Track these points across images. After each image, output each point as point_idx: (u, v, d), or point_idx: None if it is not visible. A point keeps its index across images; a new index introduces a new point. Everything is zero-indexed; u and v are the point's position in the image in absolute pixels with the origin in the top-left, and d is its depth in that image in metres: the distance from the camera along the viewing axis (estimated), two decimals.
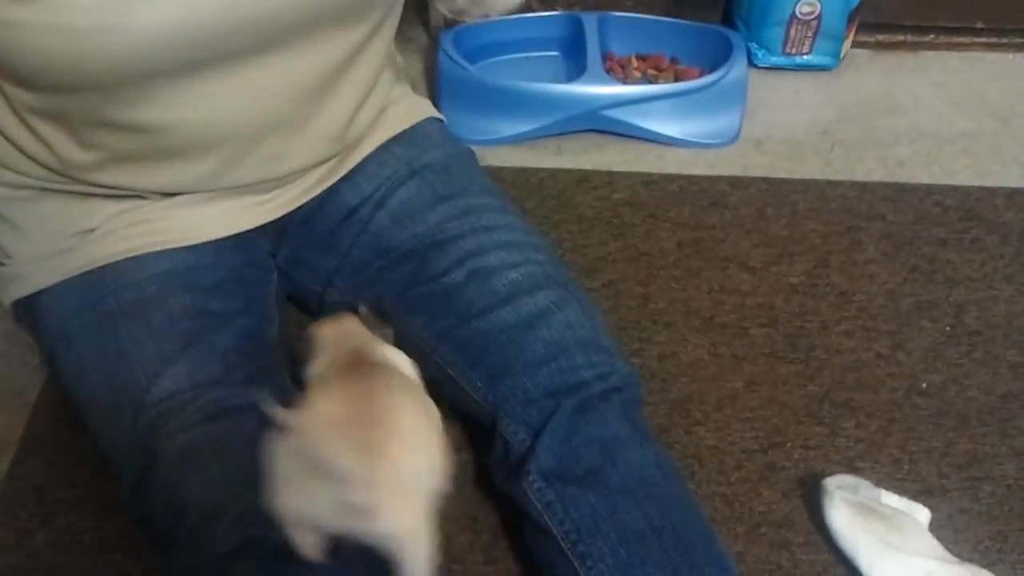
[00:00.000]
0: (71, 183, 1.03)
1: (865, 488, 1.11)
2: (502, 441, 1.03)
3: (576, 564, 0.95)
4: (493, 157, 1.52)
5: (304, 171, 1.11)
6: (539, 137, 1.60)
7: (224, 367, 0.98)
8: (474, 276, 1.08)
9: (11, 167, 1.03)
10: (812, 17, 1.67)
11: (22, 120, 0.98)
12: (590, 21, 1.64)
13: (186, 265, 1.05)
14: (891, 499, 1.10)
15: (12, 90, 0.95)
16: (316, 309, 1.21)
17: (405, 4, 1.11)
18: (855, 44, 1.77)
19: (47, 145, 0.99)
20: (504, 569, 1.08)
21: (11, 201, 1.06)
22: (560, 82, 1.61)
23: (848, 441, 1.20)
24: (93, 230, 1.04)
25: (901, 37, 1.81)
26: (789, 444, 1.19)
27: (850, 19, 1.69)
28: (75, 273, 1.04)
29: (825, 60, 1.74)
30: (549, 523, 0.97)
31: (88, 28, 0.84)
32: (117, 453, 1.00)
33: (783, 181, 1.54)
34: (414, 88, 1.28)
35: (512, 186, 1.47)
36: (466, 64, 1.57)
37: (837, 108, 1.69)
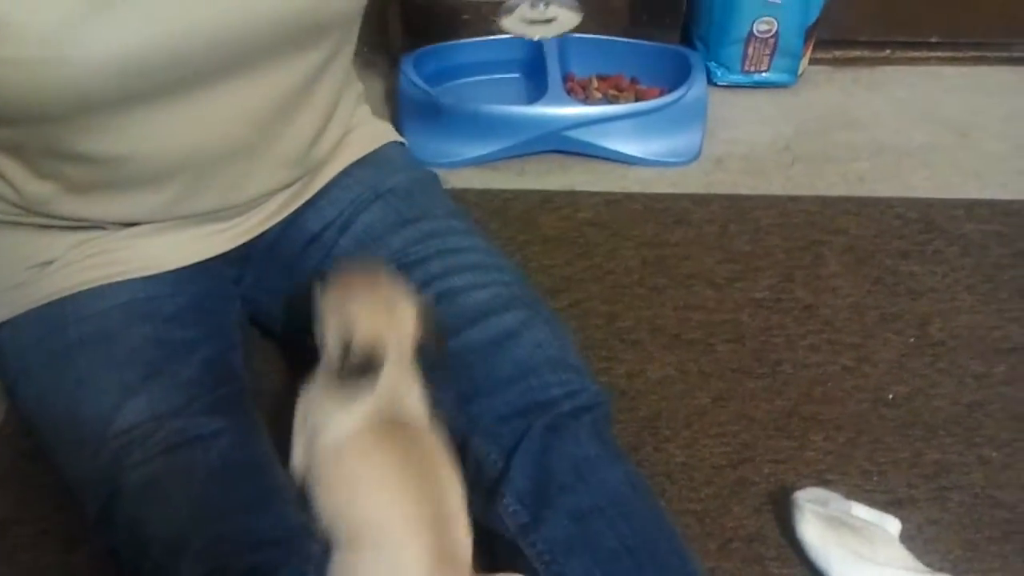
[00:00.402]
0: (28, 215, 1.02)
1: (835, 500, 1.11)
2: (474, 463, 1.02)
3: None
4: (456, 179, 1.52)
5: (266, 197, 1.11)
6: (502, 159, 1.60)
7: (186, 397, 0.97)
8: (441, 298, 1.08)
9: None
10: (769, 35, 1.69)
11: None
12: (550, 43, 1.65)
13: (145, 295, 1.03)
14: (861, 511, 1.10)
15: None
16: (280, 334, 1.20)
17: (364, 28, 1.11)
18: (813, 61, 1.79)
19: (3, 177, 0.98)
20: None
21: None
22: (521, 104, 1.61)
23: (817, 454, 1.20)
24: (51, 262, 1.03)
25: (858, 53, 1.83)
26: (758, 459, 1.19)
27: (807, 36, 1.71)
28: (34, 306, 1.03)
29: (783, 77, 1.75)
30: (523, 545, 0.96)
31: (40, 59, 0.84)
32: (80, 486, 0.98)
33: (745, 197, 1.55)
34: (375, 112, 1.27)
35: (476, 208, 1.47)
36: (427, 87, 1.57)
37: (797, 124, 1.70)
